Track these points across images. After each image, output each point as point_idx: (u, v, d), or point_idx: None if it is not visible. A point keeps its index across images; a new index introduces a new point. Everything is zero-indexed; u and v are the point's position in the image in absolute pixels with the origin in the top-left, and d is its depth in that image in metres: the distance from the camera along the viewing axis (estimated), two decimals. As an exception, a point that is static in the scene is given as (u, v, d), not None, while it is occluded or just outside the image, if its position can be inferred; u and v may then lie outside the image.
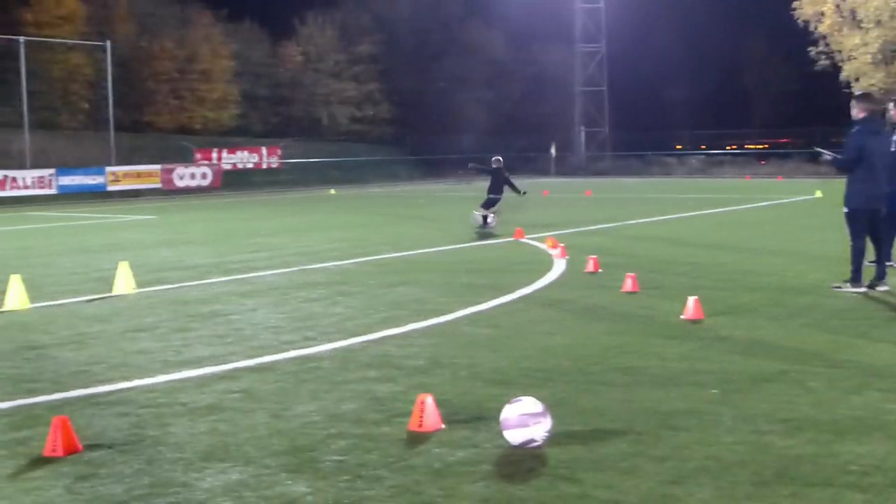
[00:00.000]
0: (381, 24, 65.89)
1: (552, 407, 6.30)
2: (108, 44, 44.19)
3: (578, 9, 71.12)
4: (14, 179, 37.34)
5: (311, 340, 8.87)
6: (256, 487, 5.00)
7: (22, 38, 40.80)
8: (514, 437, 5.53)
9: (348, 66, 62.45)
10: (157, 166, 43.50)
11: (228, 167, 48.48)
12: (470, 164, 24.46)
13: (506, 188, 21.83)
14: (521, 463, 5.32)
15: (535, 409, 5.55)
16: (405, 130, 66.71)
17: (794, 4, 46.75)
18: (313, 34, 61.06)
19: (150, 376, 7.54)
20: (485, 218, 21.18)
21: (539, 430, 5.50)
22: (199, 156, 47.11)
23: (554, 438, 5.69)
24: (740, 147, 72.80)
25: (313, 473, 5.20)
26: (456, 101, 69.00)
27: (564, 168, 66.08)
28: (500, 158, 22.66)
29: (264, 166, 51.15)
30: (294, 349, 8.48)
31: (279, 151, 51.86)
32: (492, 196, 21.70)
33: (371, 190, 47.53)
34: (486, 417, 6.19)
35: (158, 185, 42.94)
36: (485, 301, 11.00)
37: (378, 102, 64.27)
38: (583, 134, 71.29)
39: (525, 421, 5.50)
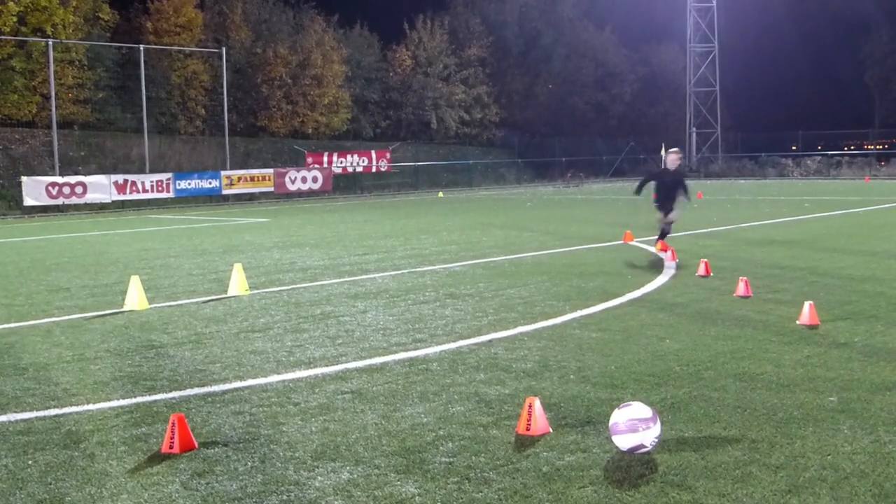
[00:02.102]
0: (490, 27, 66.01)
1: (663, 412, 6.22)
2: (224, 50, 45.34)
3: (690, 9, 70.05)
4: (134, 183, 38.61)
5: (420, 342, 8.93)
6: (366, 487, 5.05)
7: (142, 46, 42.18)
8: (623, 442, 5.46)
9: (458, 69, 62.73)
10: (270, 170, 44.42)
11: (339, 171, 49.20)
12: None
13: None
14: (632, 468, 5.25)
15: (645, 414, 5.47)
16: (514, 133, 66.68)
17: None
18: (423, 38, 61.53)
19: (263, 376, 7.70)
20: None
21: (649, 436, 5.42)
22: (310, 159, 47.94)
23: (665, 444, 5.60)
24: (859, 148, 70.66)
25: (423, 475, 5.23)
26: (565, 103, 68.72)
27: (675, 170, 65.05)
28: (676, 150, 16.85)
29: (374, 170, 51.74)
30: (404, 351, 8.55)
31: (388, 155, 52.39)
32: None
33: (480, 192, 47.64)
34: (596, 422, 6.13)
35: (271, 189, 43.84)
36: (594, 304, 10.91)
37: (487, 105, 64.37)
38: (694, 135, 70.18)
39: (634, 426, 5.42)
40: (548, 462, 5.39)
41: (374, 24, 60.12)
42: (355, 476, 5.23)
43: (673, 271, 13.78)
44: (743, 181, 55.16)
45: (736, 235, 19.92)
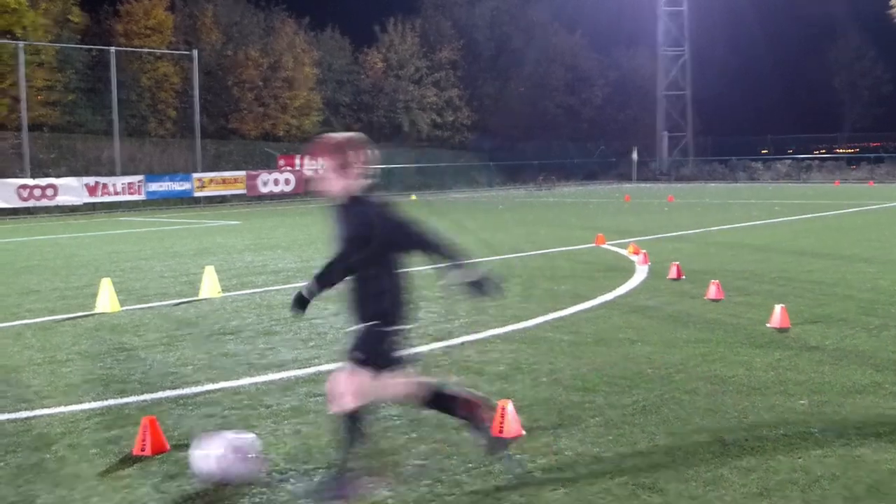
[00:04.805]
0: (461, 30, 66.06)
1: (635, 415, 6.26)
2: (195, 53, 45.11)
3: (661, 12, 70.47)
4: (105, 186, 38.31)
5: (392, 345, 8.91)
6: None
7: (113, 49, 41.88)
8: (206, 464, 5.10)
9: (429, 72, 62.72)
10: (242, 172, 44.23)
11: (311, 173, 49.04)
12: None
13: None
14: (603, 471, 5.28)
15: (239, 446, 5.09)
16: (486, 136, 66.75)
17: (893, 2, 45.83)
18: (394, 41, 61.49)
19: (235, 379, 7.67)
20: None
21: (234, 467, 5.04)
22: (282, 162, 47.78)
23: (636, 447, 5.64)
24: (829, 152, 71.32)
25: (395, 477, 5.23)
26: (537, 106, 68.89)
27: (646, 173, 65.54)
28: None
29: (346, 172, 51.54)
30: (376, 354, 8.52)
31: (361, 157, 52.21)
32: None
33: (452, 195, 47.68)
34: (567, 424, 6.16)
35: (243, 191, 43.65)
36: (566, 307, 10.95)
37: (459, 108, 64.41)
38: (665, 139, 70.57)
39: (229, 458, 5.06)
40: (519, 465, 5.40)
41: (345, 26, 60.03)
42: (328, 479, 5.21)
43: (644, 274, 13.85)
44: (713, 185, 55.53)
45: (707, 239, 20.05)
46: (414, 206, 37.71)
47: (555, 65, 69.64)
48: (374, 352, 4.91)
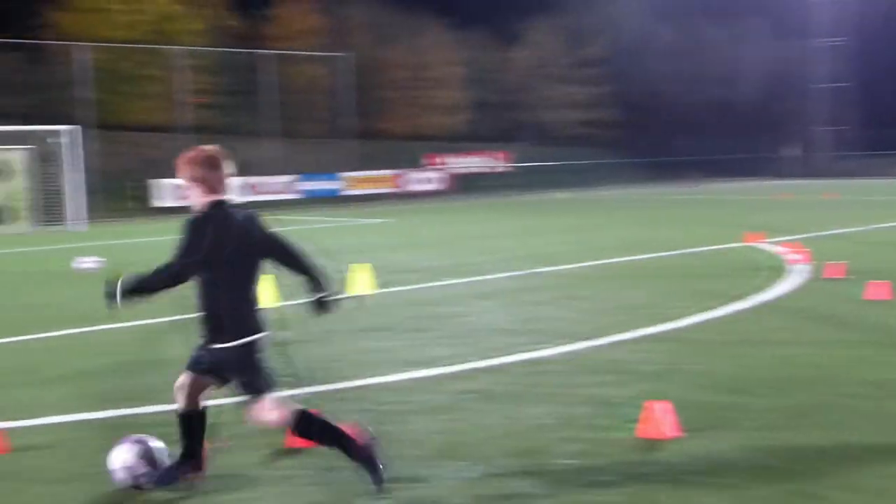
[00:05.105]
0: (609, 26, 65.34)
1: (791, 419, 6.09)
2: (346, 55, 46.12)
3: (820, 2, 68.08)
4: (261, 185, 39.62)
5: (541, 343, 8.92)
6: (490, 486, 5.08)
7: (266, 52, 43.27)
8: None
9: (576, 69, 62.35)
10: (391, 171, 45.00)
11: (459, 171, 49.49)
12: None
13: None
14: (762, 475, 5.14)
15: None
16: (634, 133, 65.80)
17: None
18: (541, 39, 61.38)
19: (388, 374, 7.81)
20: None
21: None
22: (429, 161, 48.35)
23: (797, 452, 5.47)
24: None
25: (546, 476, 5.22)
26: (687, 101, 67.48)
27: (805, 169, 63.37)
28: None
29: (492, 170, 51.85)
30: (525, 352, 8.55)
31: (508, 155, 52.41)
32: None
33: (599, 193, 47.28)
34: (723, 427, 6.03)
35: (392, 190, 44.41)
36: (719, 307, 10.70)
37: (607, 105, 63.75)
38: (825, 133, 68.09)
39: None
40: (674, 467, 5.31)
41: (491, 25, 60.18)
42: (479, 475, 5.26)
43: (801, 274, 13.41)
44: (879, 180, 53.19)
45: (869, 237, 19.25)
46: (559, 204, 37.55)
47: (706, 58, 68.10)
48: (258, 376, 5.06)
